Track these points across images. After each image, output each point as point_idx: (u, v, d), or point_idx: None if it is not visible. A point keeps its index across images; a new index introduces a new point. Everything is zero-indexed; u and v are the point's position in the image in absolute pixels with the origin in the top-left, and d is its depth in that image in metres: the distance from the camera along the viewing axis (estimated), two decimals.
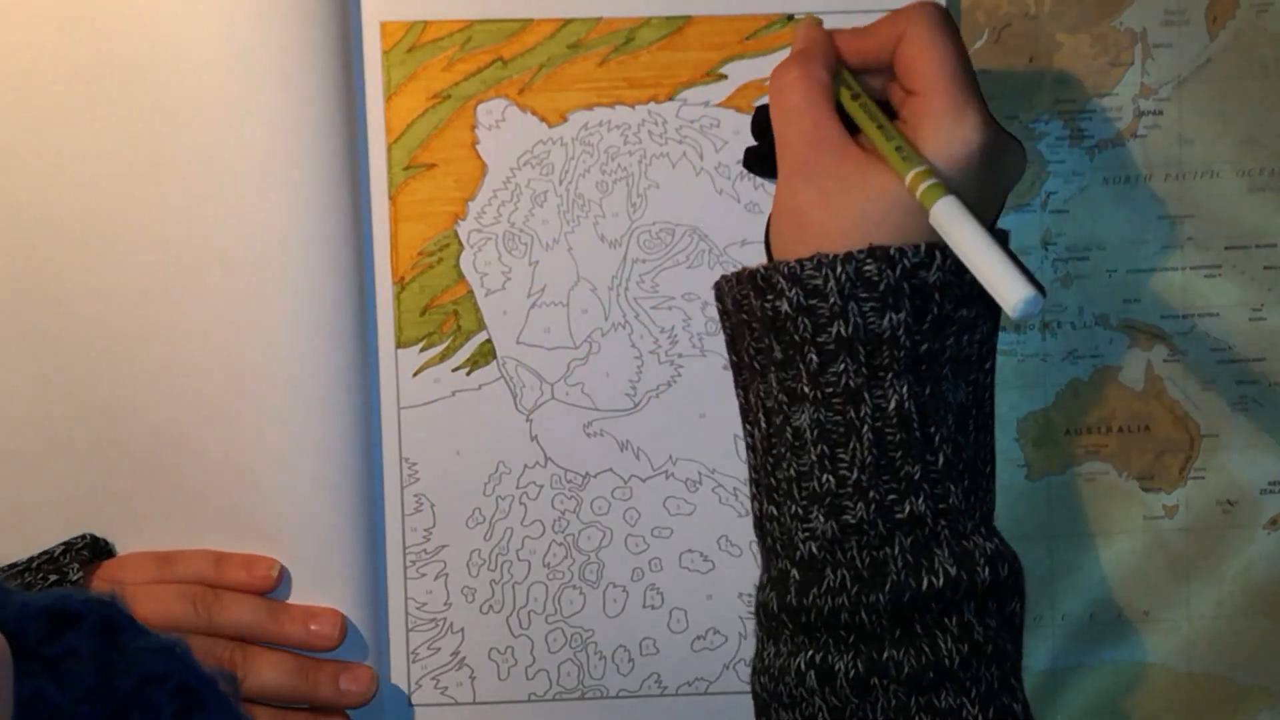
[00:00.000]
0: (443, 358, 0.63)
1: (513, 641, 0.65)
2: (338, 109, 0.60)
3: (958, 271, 0.51)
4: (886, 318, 0.51)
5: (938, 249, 0.51)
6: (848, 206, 0.52)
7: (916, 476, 0.51)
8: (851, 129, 0.54)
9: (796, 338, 0.52)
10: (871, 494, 0.51)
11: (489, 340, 0.63)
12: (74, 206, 0.61)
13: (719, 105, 0.62)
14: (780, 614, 0.53)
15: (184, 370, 0.61)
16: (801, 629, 0.52)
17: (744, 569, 0.64)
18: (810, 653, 0.52)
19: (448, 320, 0.63)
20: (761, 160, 0.61)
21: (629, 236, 0.63)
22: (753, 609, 0.56)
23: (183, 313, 0.61)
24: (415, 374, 0.63)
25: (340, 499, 0.62)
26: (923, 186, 0.50)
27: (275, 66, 0.59)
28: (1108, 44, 0.63)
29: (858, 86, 0.55)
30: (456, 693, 0.65)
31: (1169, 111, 0.64)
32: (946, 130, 0.52)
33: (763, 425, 0.54)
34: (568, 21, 0.62)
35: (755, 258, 0.63)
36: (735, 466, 0.64)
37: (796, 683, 0.52)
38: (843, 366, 0.51)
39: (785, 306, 0.52)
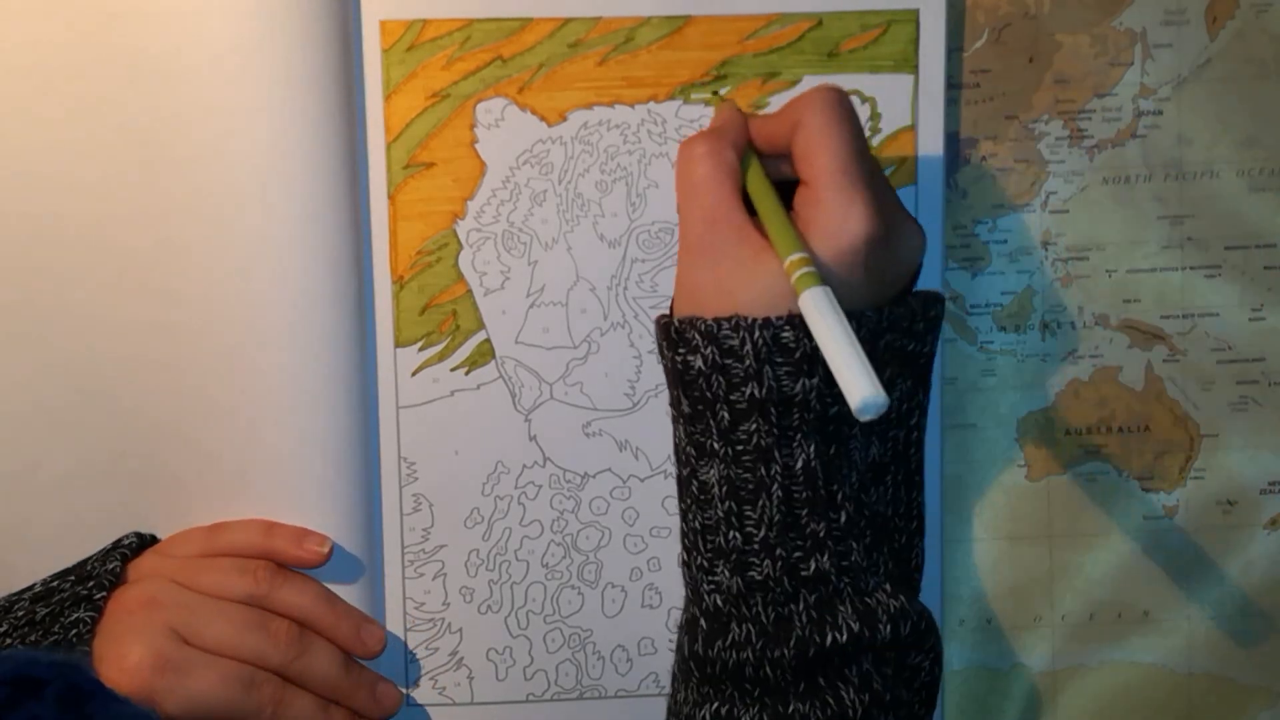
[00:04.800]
0: (441, 357, 0.63)
1: (511, 642, 0.65)
2: (337, 108, 0.60)
3: (872, 342, 0.52)
4: (800, 383, 0.51)
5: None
6: (741, 289, 0.52)
7: (821, 534, 0.52)
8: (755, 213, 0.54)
9: (709, 394, 0.52)
10: (779, 551, 0.52)
11: (488, 340, 0.63)
12: (71, 205, 0.60)
13: None
14: (689, 660, 0.54)
15: (182, 369, 0.61)
16: (707, 679, 0.53)
17: None
18: (715, 705, 0.53)
19: (446, 320, 0.63)
20: None
21: (628, 236, 0.63)
22: None
23: (180, 311, 0.61)
24: (414, 373, 0.63)
25: (338, 498, 0.62)
26: (797, 274, 0.50)
27: (275, 65, 0.59)
28: (1108, 44, 0.63)
29: (761, 170, 0.55)
30: (454, 693, 0.65)
31: (1169, 111, 0.64)
32: (833, 223, 0.51)
33: (678, 471, 0.55)
34: (567, 21, 0.62)
35: None
36: None
37: None
38: (754, 425, 0.52)
39: (699, 363, 0.52)
